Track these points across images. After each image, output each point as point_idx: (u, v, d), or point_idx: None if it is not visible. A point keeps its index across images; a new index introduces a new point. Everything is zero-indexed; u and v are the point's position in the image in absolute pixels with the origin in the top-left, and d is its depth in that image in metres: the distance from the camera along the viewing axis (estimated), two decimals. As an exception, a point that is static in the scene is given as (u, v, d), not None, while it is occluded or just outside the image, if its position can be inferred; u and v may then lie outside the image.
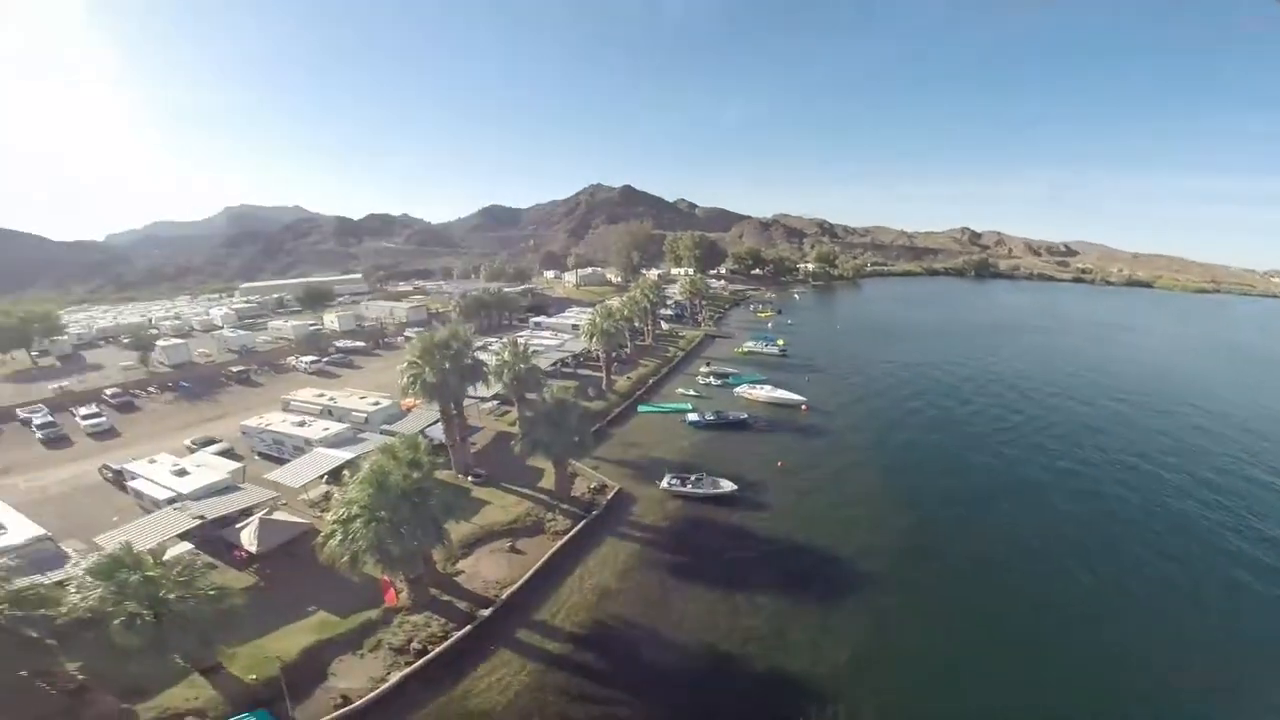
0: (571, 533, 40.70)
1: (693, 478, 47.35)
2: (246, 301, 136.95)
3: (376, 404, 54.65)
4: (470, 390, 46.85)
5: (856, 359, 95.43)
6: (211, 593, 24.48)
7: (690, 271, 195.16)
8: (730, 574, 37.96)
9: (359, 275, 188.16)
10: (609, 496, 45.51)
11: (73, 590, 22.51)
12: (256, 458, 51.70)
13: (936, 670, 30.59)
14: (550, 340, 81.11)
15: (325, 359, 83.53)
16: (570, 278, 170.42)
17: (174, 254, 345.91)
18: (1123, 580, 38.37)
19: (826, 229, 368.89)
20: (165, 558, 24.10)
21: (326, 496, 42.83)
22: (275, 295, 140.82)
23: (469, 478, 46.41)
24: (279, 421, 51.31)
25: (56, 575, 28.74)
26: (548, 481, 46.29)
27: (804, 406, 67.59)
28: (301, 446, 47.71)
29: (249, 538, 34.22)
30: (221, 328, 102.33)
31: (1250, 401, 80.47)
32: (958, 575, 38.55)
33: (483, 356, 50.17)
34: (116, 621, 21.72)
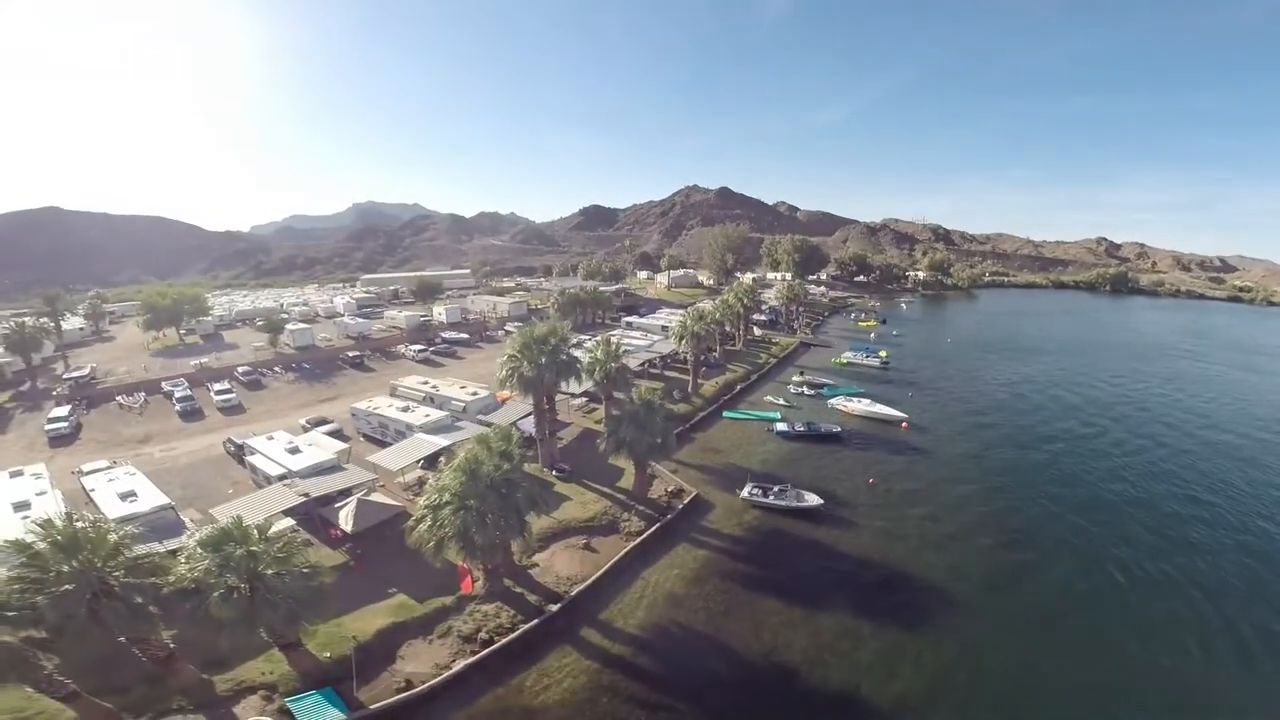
0: (645, 535, 40.24)
1: (775, 489, 45.39)
2: (366, 291, 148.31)
3: (474, 394, 57.08)
4: (563, 386, 47.81)
5: (967, 376, 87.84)
6: (305, 570, 25.75)
7: (788, 276, 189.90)
8: (805, 590, 36.20)
9: (467, 270, 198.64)
10: (685, 501, 44.65)
11: (183, 560, 24.30)
12: (362, 439, 55.25)
13: (1019, 708, 28.08)
14: (640, 340, 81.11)
15: (431, 348, 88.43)
16: (662, 279, 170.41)
17: (306, 245, 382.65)
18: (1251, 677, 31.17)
19: (941, 235, 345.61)
20: (269, 533, 25.58)
21: (421, 481, 44.86)
22: (392, 287, 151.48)
23: (553, 472, 47.09)
24: (385, 406, 54.62)
25: (173, 543, 31.59)
26: (626, 481, 46.04)
27: (904, 423, 62.99)
28: (403, 431, 50.36)
29: (345, 517, 36.24)
30: (343, 315, 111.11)
31: None
32: (1055, 617, 34.39)
33: (577, 354, 50.71)
34: (216, 594, 23.13)
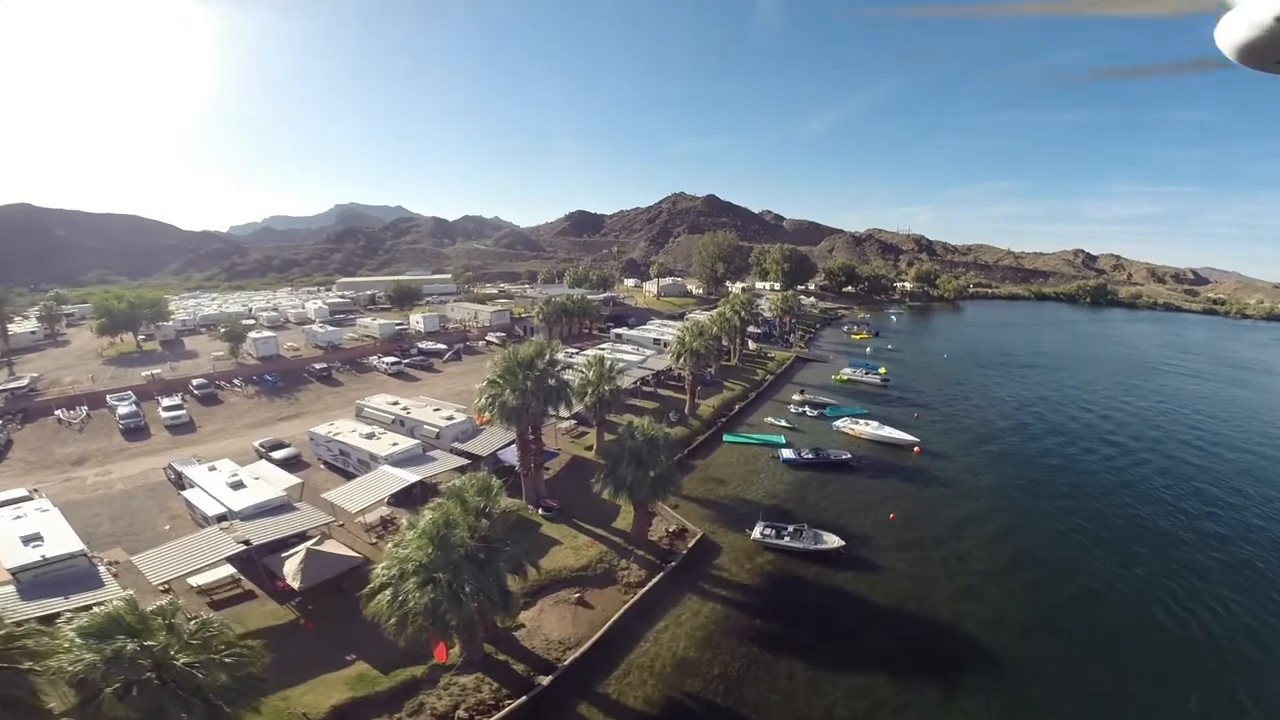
0: (647, 587, 35.07)
1: (790, 529, 40.44)
2: (341, 296, 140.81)
3: (450, 418, 50.60)
4: (549, 410, 41.96)
5: (969, 394, 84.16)
6: (229, 660, 20.12)
7: (776, 286, 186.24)
8: (831, 648, 31.80)
9: (448, 275, 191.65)
10: (690, 544, 39.44)
11: (62, 646, 18.61)
12: (322, 466, 49.42)
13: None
14: (631, 355, 75.87)
15: (406, 360, 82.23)
16: (651, 287, 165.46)
17: (284, 247, 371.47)
18: None
19: (924, 246, 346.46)
20: (176, 619, 19.82)
21: (387, 523, 39.16)
22: (368, 291, 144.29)
23: (539, 510, 41.58)
24: (347, 432, 48.41)
25: (85, 597, 25.86)
26: (623, 520, 40.79)
27: (916, 448, 58.56)
28: (367, 461, 44.51)
29: (293, 571, 30.50)
30: (314, 321, 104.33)
31: None
32: (1097, 664, 30.55)
33: (565, 375, 45.27)
34: (109, 690, 17.77)
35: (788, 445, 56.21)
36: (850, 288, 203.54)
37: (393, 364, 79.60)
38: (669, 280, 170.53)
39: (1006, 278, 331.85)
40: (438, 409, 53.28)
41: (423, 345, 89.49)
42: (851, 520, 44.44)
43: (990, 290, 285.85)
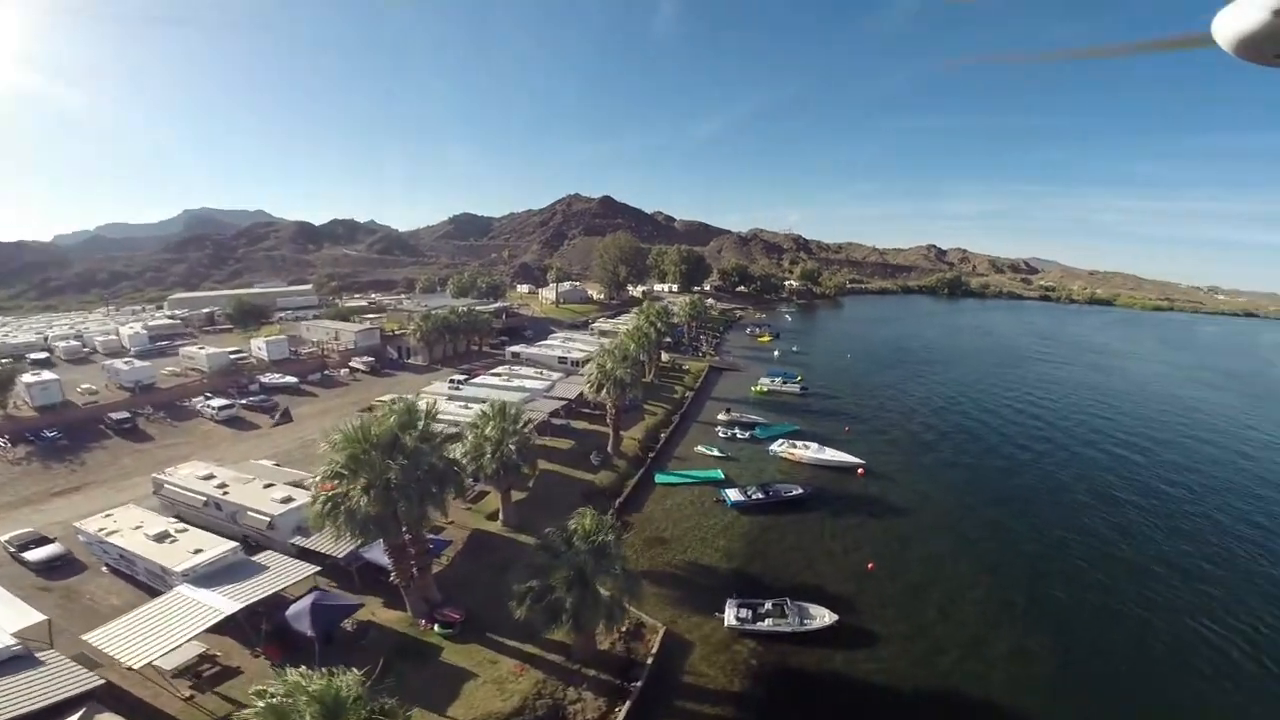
0: (608, 732, 24.20)
1: (768, 605, 31.51)
2: (171, 316, 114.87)
3: (288, 500, 35.68)
4: (431, 507, 28.61)
5: (882, 398, 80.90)
6: None
7: (675, 288, 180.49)
8: None
9: (309, 286, 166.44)
10: (654, 647, 28.94)
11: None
12: (104, 570, 33.75)
13: None
14: (535, 381, 63.92)
15: (244, 400, 64.43)
16: (548, 293, 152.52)
17: (115, 258, 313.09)
18: None
19: (802, 245, 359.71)
20: None
21: (205, 663, 25.46)
22: (206, 309, 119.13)
23: (435, 626, 29.18)
24: (129, 529, 32.66)
25: None
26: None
27: (860, 470, 52.27)
28: (159, 575, 29.82)
29: None
30: (129, 351, 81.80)
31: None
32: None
33: (456, 442, 32.67)
34: None
35: (730, 484, 47.42)
36: (743, 287, 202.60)
37: (224, 408, 61.31)
38: (568, 285, 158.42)
39: (875, 273, 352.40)
40: (269, 486, 38.25)
41: (268, 379, 71.26)
42: (827, 576, 36.70)
43: (864, 286, 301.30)
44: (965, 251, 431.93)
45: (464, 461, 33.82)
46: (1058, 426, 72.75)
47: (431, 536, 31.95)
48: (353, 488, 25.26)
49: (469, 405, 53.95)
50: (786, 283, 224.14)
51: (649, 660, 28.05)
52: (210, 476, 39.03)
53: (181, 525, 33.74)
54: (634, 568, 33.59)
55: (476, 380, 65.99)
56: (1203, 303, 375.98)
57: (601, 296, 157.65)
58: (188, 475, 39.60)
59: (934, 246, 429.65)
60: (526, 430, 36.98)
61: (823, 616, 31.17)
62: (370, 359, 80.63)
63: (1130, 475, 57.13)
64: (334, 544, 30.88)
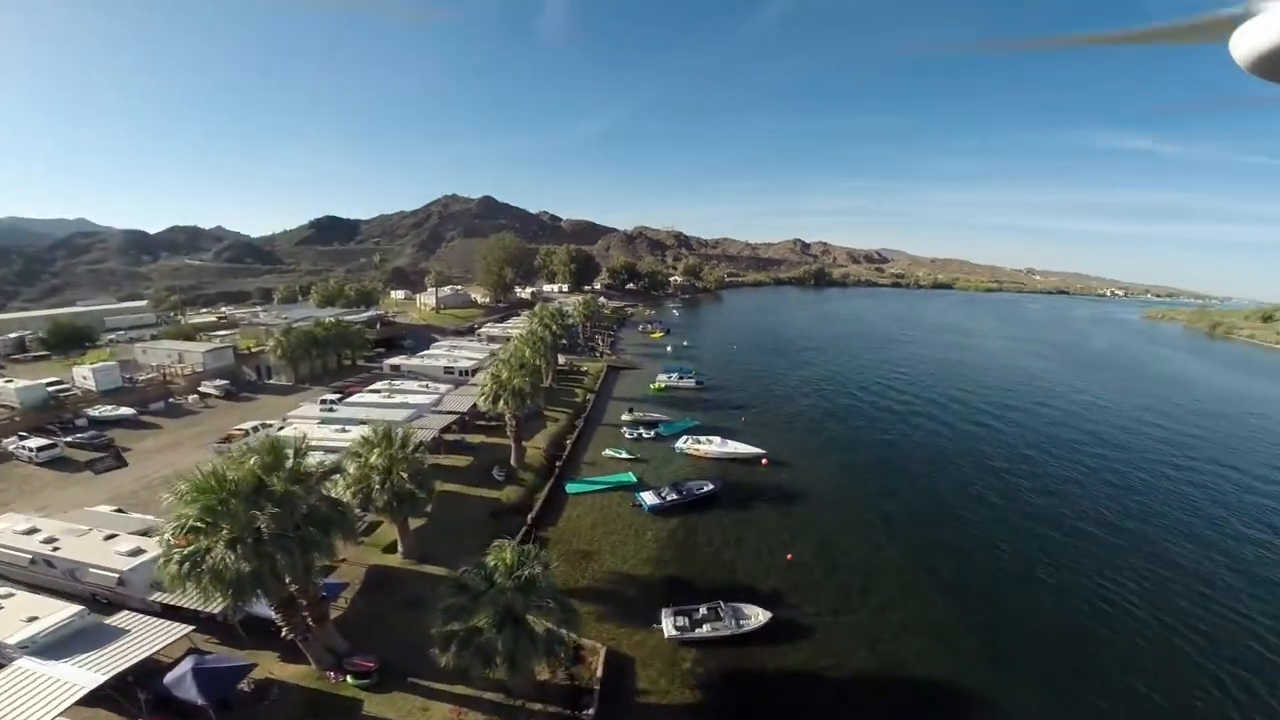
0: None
1: (703, 610, 30.69)
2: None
3: (138, 551, 29.17)
4: (315, 556, 23.52)
5: (771, 385, 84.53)
6: None
7: (565, 288, 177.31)
8: None
9: (144, 303, 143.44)
10: (598, 670, 26.80)
11: None
12: None
13: None
14: (420, 396, 58.65)
15: (69, 438, 53.22)
16: (427, 299, 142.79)
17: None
18: None
19: (684, 241, 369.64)
20: None
21: None
22: (15, 334, 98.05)
23: (345, 677, 24.88)
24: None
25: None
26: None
27: (764, 460, 53.30)
28: (-32, 665, 22.91)
29: None
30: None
31: (1135, 397, 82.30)
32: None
33: (335, 477, 27.97)
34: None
35: (644, 487, 46.10)
36: (632, 285, 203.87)
37: (44, 448, 50.14)
38: (449, 290, 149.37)
39: (749, 267, 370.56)
40: (110, 537, 31.38)
41: (98, 412, 59.63)
42: (751, 571, 36.57)
43: (741, 279, 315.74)
44: (826, 244, 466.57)
45: (349, 498, 29.37)
46: (926, 399, 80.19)
47: (323, 581, 27.31)
48: (213, 542, 20.61)
49: (346, 428, 48.44)
50: (672, 279, 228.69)
51: (596, 685, 25.91)
52: (34, 530, 31.15)
53: (6, 590, 26.66)
54: (560, 585, 31.40)
55: (353, 399, 59.39)
56: (1024, 283, 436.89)
57: (487, 300, 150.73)
58: (4, 531, 31.26)
59: (799, 240, 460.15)
60: (419, 455, 32.99)
61: (757, 615, 30.82)
62: (224, 382, 69.99)
63: (995, 440, 63.92)
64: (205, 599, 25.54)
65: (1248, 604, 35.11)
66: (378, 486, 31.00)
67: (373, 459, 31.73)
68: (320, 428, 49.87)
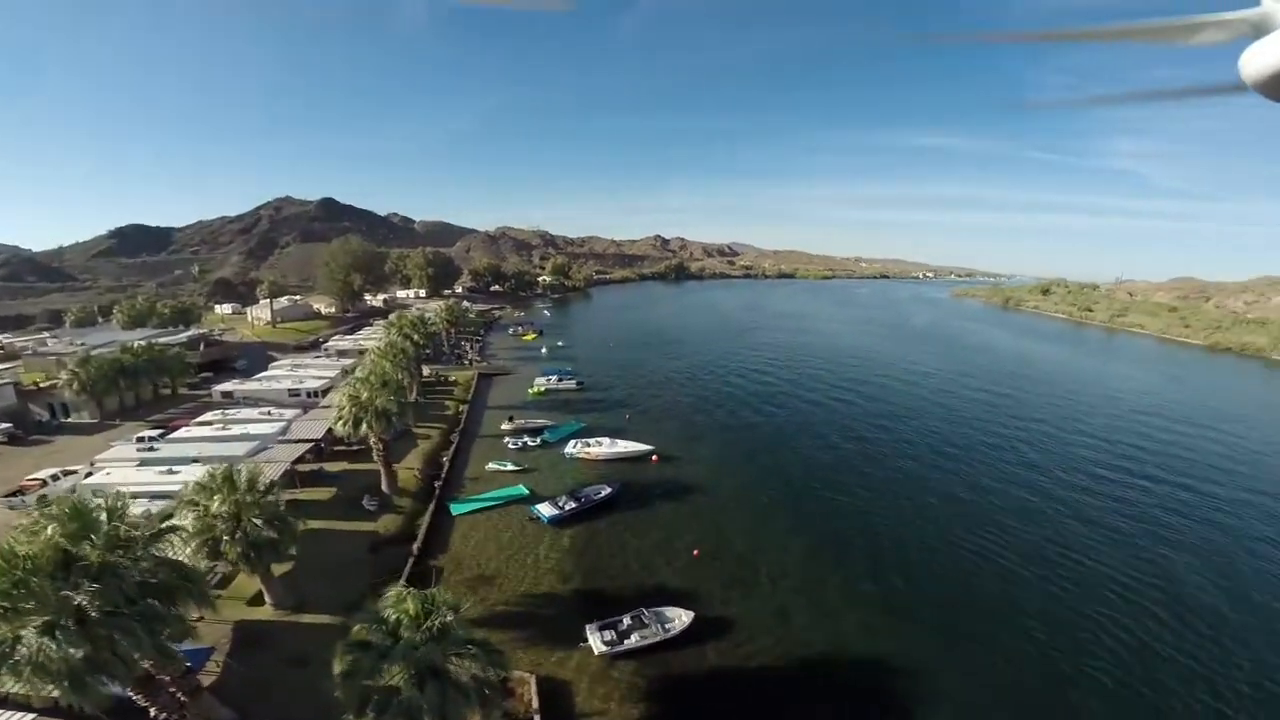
0: None
1: (627, 620, 29.53)
2: None
3: None
4: (163, 639, 18.52)
5: (649, 378, 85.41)
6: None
7: (423, 293, 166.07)
8: None
9: None
10: (532, 701, 24.33)
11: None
12: None
13: None
14: (263, 425, 50.49)
15: None
16: (260, 312, 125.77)
17: None
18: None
19: (549, 240, 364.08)
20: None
21: None
22: None
23: None
24: None
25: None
26: None
27: (654, 457, 52.94)
28: None
29: None
30: None
31: (969, 367, 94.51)
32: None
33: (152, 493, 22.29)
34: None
35: (538, 498, 43.30)
36: (498, 286, 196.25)
37: None
38: (287, 301, 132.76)
39: (615, 264, 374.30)
40: None
41: None
42: (661, 572, 35.87)
43: (608, 276, 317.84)
44: (684, 240, 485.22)
45: (191, 553, 23.90)
46: (788, 380, 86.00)
47: (182, 650, 21.68)
48: (16, 629, 15.23)
49: (174, 469, 40.64)
50: (540, 279, 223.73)
51: (535, 717, 23.43)
52: None
53: None
54: (467, 617, 28.05)
55: (178, 434, 50.03)
56: (853, 270, 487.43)
57: (332, 310, 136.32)
58: None
59: (660, 236, 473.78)
60: (273, 498, 27.71)
61: (680, 617, 30.13)
62: (7, 425, 55.82)
63: (852, 413, 69.87)
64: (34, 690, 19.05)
65: (1061, 512, 41.21)
66: (227, 538, 25.63)
67: (215, 507, 26.15)
68: (140, 470, 41.87)
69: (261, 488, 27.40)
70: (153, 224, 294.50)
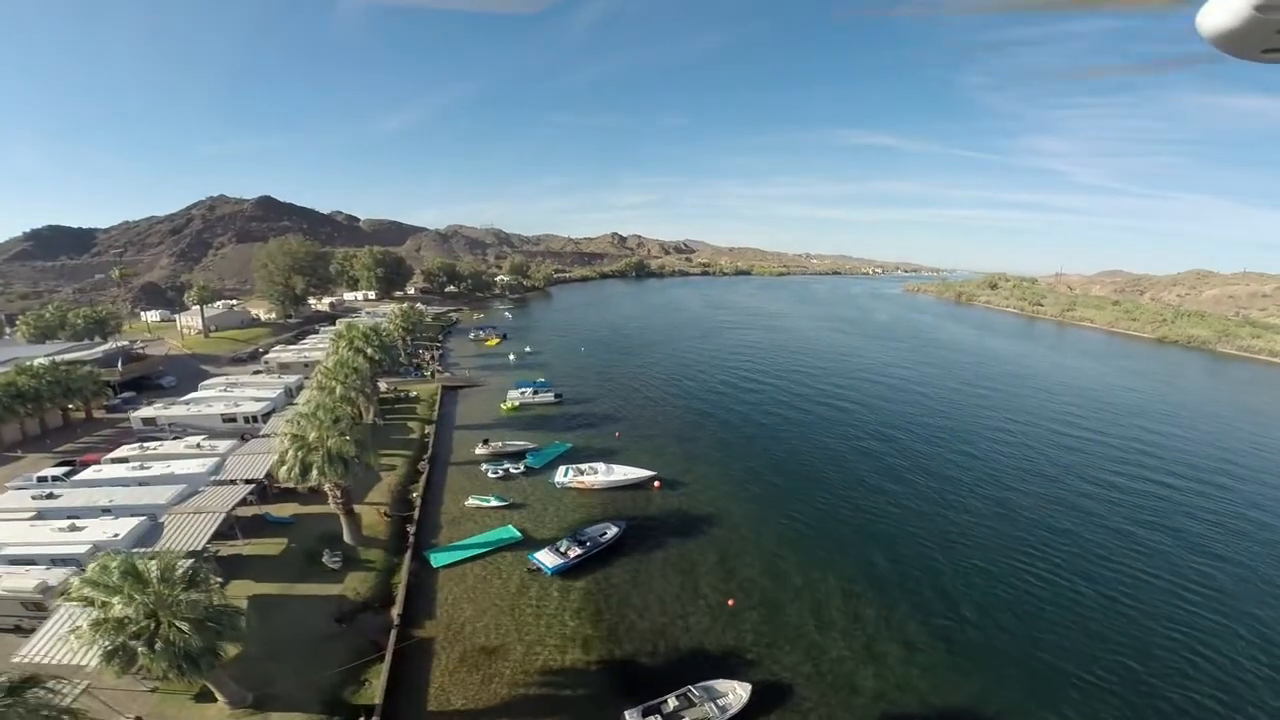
0: None
1: (673, 702, 24.00)
2: None
3: None
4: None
5: (631, 385, 79.49)
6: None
7: (372, 295, 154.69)
8: None
9: None
10: None
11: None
12: None
13: None
14: (191, 463, 41.78)
15: None
16: (190, 320, 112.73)
17: None
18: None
19: (504, 239, 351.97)
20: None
21: None
22: None
23: None
24: None
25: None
26: None
27: (656, 483, 46.88)
28: None
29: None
30: None
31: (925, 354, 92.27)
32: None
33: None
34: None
35: (535, 542, 36.56)
36: (453, 287, 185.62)
37: None
38: (222, 307, 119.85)
39: (574, 261, 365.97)
40: None
41: None
42: (694, 627, 30.18)
43: (567, 275, 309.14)
44: (640, 237, 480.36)
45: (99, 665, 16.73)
46: (773, 385, 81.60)
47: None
48: None
49: (77, 525, 32.39)
50: (498, 278, 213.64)
51: None
52: None
53: None
54: (475, 705, 21.05)
55: (87, 474, 41.15)
56: (805, 266, 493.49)
57: (273, 316, 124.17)
58: None
59: (617, 234, 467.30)
60: (201, 594, 20.29)
61: (735, 692, 24.72)
62: None
63: (849, 420, 66.38)
64: None
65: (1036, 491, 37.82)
66: (143, 649, 18.29)
67: (116, 609, 18.71)
68: (36, 527, 33.55)
69: (181, 581, 19.94)
70: (72, 225, 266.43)
